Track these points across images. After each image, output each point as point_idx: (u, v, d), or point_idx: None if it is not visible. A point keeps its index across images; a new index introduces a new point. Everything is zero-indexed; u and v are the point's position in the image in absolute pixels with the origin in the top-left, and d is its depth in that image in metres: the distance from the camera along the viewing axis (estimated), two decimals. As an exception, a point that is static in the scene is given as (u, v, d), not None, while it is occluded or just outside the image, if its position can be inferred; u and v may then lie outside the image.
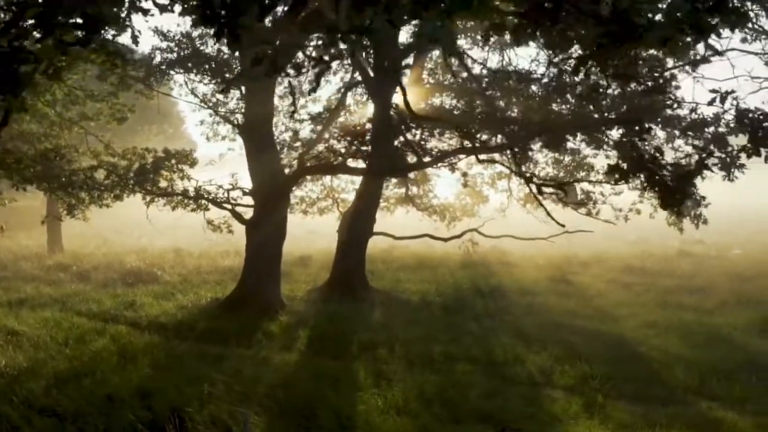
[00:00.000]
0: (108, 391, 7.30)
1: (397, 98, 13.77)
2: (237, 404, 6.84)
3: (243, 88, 13.20)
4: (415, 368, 8.93)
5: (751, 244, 25.09)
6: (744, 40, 12.55)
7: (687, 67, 16.37)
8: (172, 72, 14.66)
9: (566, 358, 9.45)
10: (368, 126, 12.35)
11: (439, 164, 12.61)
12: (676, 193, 4.93)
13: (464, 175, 12.23)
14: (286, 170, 13.59)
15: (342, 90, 17.57)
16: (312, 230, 28.17)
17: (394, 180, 20.05)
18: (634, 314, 12.95)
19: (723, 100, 4.80)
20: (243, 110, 13.72)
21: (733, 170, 9.06)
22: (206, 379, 7.59)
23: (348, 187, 19.69)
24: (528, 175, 11.72)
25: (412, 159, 12.73)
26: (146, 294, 14.26)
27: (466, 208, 21.94)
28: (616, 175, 5.21)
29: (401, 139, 12.59)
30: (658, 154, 5.31)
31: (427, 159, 12.25)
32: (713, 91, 4.67)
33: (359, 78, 15.65)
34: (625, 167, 5.23)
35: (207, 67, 14.43)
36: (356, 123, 14.21)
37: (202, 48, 14.57)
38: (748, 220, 43.87)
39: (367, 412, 6.94)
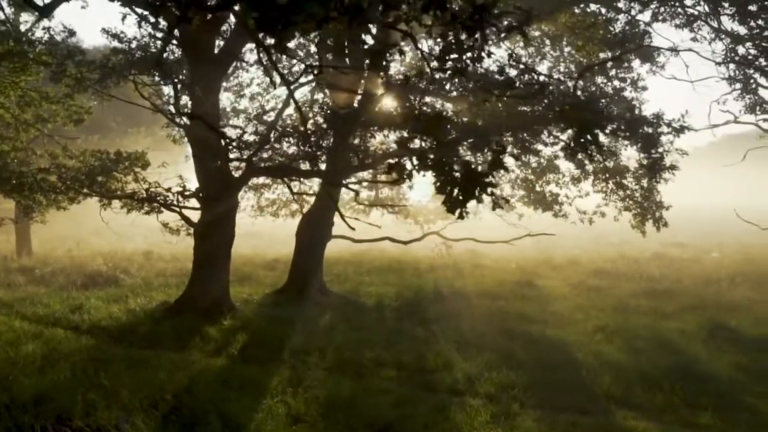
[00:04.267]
0: (6, 397, 7.15)
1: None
2: (133, 410, 6.68)
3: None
4: (337, 374, 8.75)
5: (731, 246, 24.70)
6: (694, 40, 12.33)
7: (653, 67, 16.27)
8: (126, 74, 14.50)
9: (497, 365, 9.23)
10: (311, 128, 12.19)
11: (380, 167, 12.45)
12: (462, 194, 4.67)
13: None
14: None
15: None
16: (293, 233, 27.95)
17: (365, 183, 19.88)
18: (587, 318, 12.71)
19: (542, 90, 4.58)
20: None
21: (661, 172, 8.87)
22: (110, 385, 7.44)
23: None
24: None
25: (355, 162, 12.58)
26: (98, 297, 14.11)
27: (438, 211, 21.78)
28: (395, 175, 4.96)
29: (347, 141, 12.42)
30: (450, 152, 5.08)
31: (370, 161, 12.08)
32: (530, 83, 4.44)
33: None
34: (408, 166, 4.98)
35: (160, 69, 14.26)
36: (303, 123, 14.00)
37: (154, 50, 14.42)
38: (741, 221, 43.24)
39: (263, 419, 6.75)
